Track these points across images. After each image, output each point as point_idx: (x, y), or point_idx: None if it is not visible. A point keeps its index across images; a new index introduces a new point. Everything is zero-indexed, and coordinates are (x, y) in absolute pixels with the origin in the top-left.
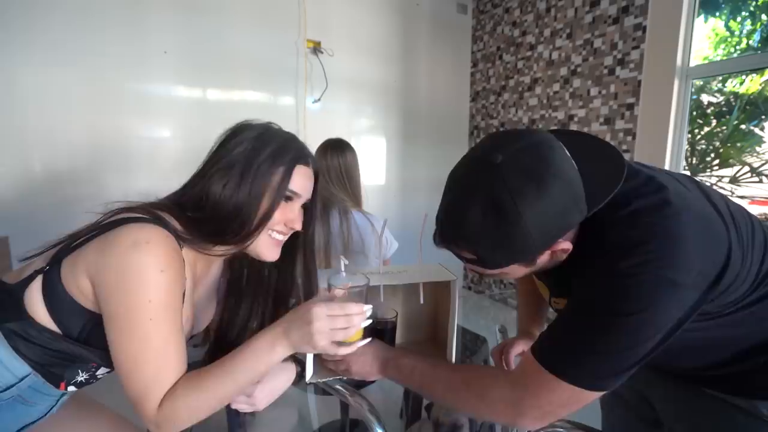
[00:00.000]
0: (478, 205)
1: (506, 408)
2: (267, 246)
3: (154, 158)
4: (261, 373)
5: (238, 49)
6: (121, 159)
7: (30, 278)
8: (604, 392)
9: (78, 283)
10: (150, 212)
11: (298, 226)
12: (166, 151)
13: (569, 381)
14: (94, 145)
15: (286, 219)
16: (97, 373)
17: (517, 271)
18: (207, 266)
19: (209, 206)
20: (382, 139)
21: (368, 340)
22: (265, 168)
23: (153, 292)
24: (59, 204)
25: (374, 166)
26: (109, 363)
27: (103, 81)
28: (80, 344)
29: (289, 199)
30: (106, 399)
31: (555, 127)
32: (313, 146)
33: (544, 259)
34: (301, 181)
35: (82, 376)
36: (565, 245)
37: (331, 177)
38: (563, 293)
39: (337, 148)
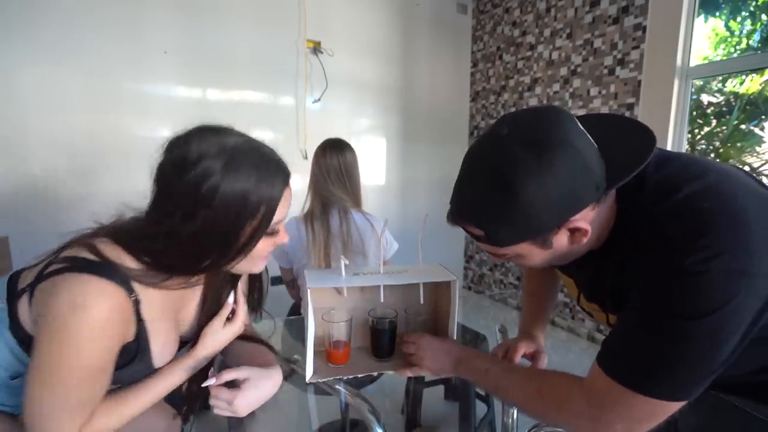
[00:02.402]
0: (481, 178)
1: (587, 424)
2: (256, 267)
3: (153, 158)
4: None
5: (238, 49)
6: (120, 159)
7: (23, 291)
8: (689, 401)
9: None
10: (100, 254)
11: (286, 239)
12: None
13: (650, 395)
14: (94, 145)
15: (274, 245)
16: None
17: (533, 253)
18: (190, 288)
19: (177, 245)
20: (382, 139)
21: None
22: (243, 216)
23: (83, 359)
24: (59, 204)
25: (374, 166)
26: None
27: (102, 81)
28: None
29: (273, 233)
30: None
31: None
32: (313, 146)
33: (562, 242)
34: (285, 204)
35: None
36: (582, 225)
37: (331, 176)
38: (598, 296)
39: (336, 147)
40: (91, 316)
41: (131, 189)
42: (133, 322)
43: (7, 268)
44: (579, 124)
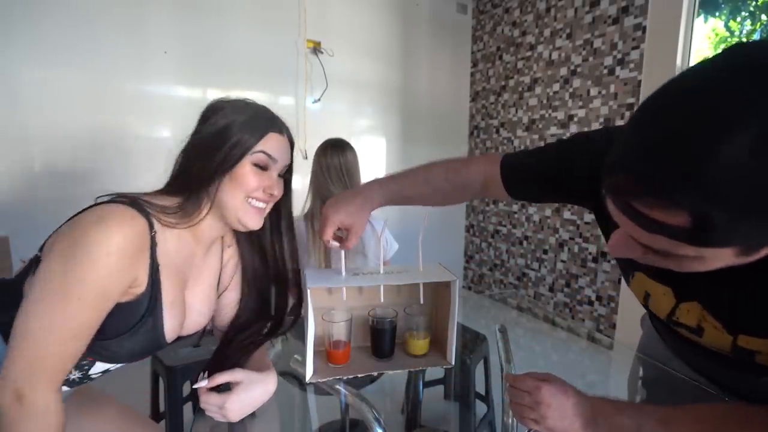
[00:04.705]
0: (744, 137)
1: None
2: (247, 213)
3: (154, 158)
4: None
5: (238, 50)
6: (121, 159)
7: (29, 267)
8: None
9: None
10: (128, 196)
11: (278, 192)
12: (166, 151)
13: None
14: (95, 145)
15: (264, 185)
16: (90, 372)
17: (721, 259)
18: (202, 251)
19: (180, 174)
20: (382, 139)
21: None
22: (236, 137)
23: (92, 272)
24: (59, 204)
25: (374, 166)
26: (97, 355)
27: (103, 81)
28: None
29: (263, 167)
30: (109, 389)
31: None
32: (313, 146)
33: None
34: (276, 145)
35: (74, 375)
36: None
37: (332, 176)
38: (736, 316)
39: (337, 147)
40: (115, 226)
41: (131, 188)
42: (147, 261)
43: (7, 268)
44: None
